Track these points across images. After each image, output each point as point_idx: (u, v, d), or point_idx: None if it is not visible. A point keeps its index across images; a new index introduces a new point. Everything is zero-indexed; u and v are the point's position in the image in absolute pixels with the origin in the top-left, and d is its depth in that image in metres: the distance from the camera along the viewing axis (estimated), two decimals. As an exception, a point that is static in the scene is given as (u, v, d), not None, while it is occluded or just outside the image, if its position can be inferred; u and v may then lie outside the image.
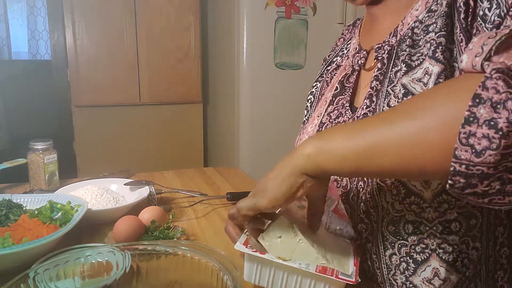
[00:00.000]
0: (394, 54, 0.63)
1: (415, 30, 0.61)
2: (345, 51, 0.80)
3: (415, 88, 0.57)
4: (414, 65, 0.58)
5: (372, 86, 0.63)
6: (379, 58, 0.65)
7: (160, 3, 2.31)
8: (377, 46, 0.67)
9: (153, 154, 2.45)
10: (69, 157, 2.44)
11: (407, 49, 0.60)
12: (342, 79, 0.73)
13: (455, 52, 0.56)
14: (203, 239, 0.81)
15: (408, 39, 0.61)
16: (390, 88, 0.60)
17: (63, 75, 2.49)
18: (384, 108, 0.60)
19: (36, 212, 0.76)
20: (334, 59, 0.82)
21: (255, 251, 0.52)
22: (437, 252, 0.57)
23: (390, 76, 0.61)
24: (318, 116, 0.75)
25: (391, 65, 0.62)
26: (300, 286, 0.51)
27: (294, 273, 0.51)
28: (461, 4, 0.55)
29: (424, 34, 0.59)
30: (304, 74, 2.03)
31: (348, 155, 0.45)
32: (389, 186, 0.58)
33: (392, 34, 0.65)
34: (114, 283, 0.50)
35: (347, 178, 0.66)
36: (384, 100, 0.60)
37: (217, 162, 2.50)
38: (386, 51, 0.64)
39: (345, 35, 0.85)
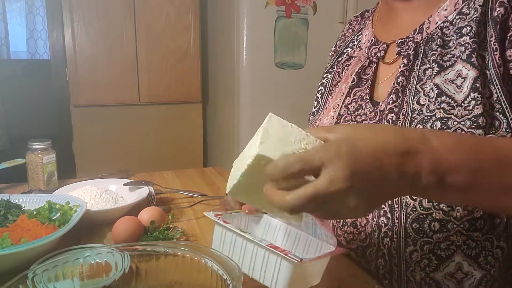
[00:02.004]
0: (421, 52, 0.63)
1: (445, 31, 0.61)
2: (356, 43, 0.79)
3: (448, 89, 0.57)
4: (445, 66, 0.59)
5: (398, 81, 0.63)
6: (403, 53, 0.65)
7: (160, 3, 2.31)
8: (399, 40, 0.66)
9: (153, 154, 2.44)
10: (68, 157, 2.43)
11: (438, 49, 0.60)
12: (359, 70, 0.72)
13: (487, 59, 0.56)
14: (203, 239, 0.81)
15: (438, 39, 0.61)
16: (419, 86, 0.61)
17: (62, 75, 2.49)
18: (413, 105, 0.60)
19: (35, 213, 0.76)
20: (345, 50, 0.81)
21: (221, 220, 0.59)
22: (462, 248, 0.58)
23: (418, 74, 0.62)
24: (334, 108, 0.74)
25: (418, 62, 0.62)
26: (256, 254, 0.55)
27: (251, 243, 0.56)
28: (499, 15, 0.55)
29: (457, 37, 0.59)
30: (304, 74, 2.03)
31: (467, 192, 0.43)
32: None
33: (417, 31, 0.64)
34: (113, 284, 0.50)
35: None
36: (414, 97, 0.60)
37: (217, 162, 2.50)
38: (412, 48, 0.64)
39: (354, 26, 0.84)
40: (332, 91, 0.78)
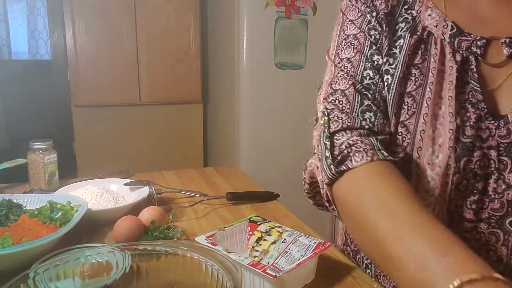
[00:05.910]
0: None
1: None
2: (409, 17, 0.57)
3: None
4: None
5: None
6: None
7: (160, 3, 2.31)
8: (508, 40, 0.52)
9: (153, 154, 2.45)
10: (69, 157, 2.43)
11: None
12: (458, 68, 0.55)
13: None
14: (203, 239, 0.81)
15: None
16: None
17: (63, 75, 2.49)
18: None
19: (36, 212, 0.76)
20: (398, 27, 0.57)
21: (209, 243, 0.60)
22: None
23: None
24: (444, 118, 0.55)
25: None
26: (243, 274, 0.56)
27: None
28: None
29: None
30: (304, 74, 2.03)
31: None
32: None
33: None
34: (114, 283, 0.50)
35: (507, 204, 0.54)
36: None
37: (217, 162, 2.50)
38: None
39: None
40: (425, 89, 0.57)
